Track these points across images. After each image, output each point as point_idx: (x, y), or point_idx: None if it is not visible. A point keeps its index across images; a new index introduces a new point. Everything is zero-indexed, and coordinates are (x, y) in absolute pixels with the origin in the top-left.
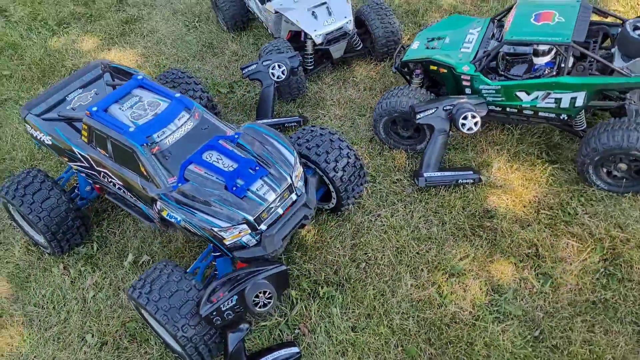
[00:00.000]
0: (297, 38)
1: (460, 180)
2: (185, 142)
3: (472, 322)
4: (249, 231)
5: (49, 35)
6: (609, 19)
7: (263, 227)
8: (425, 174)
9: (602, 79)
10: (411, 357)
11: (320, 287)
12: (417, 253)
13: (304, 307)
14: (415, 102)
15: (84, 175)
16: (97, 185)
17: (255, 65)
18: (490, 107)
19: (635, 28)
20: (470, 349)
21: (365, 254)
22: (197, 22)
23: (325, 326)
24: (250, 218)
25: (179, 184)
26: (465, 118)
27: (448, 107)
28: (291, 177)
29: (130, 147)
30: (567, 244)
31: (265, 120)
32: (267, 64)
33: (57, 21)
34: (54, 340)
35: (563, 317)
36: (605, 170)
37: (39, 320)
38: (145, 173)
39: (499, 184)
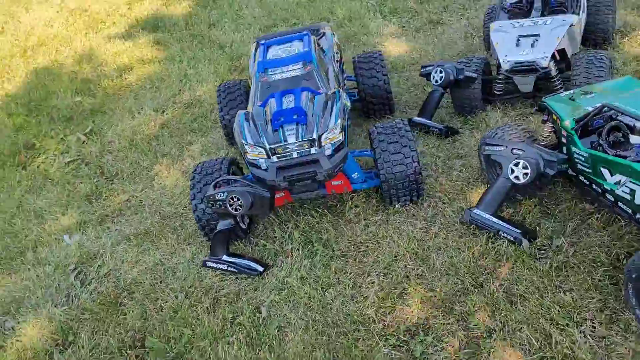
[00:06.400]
0: None
1: (502, 233)
2: (286, 82)
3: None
4: (265, 156)
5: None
6: None
7: (274, 158)
8: (474, 210)
9: None
10: (314, 321)
11: (318, 244)
12: (405, 266)
13: (295, 247)
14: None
15: None
16: None
17: (432, 67)
18: (580, 178)
19: None
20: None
21: (374, 243)
22: None
23: (292, 269)
24: (267, 146)
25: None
26: (516, 165)
27: (517, 151)
28: (319, 136)
29: (255, 71)
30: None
31: (419, 119)
32: (438, 67)
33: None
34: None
35: None
36: None
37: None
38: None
39: (537, 257)
